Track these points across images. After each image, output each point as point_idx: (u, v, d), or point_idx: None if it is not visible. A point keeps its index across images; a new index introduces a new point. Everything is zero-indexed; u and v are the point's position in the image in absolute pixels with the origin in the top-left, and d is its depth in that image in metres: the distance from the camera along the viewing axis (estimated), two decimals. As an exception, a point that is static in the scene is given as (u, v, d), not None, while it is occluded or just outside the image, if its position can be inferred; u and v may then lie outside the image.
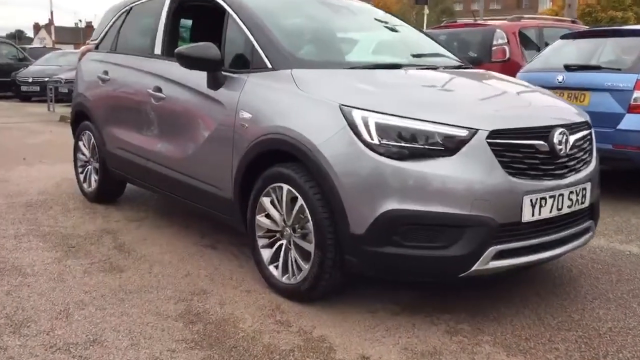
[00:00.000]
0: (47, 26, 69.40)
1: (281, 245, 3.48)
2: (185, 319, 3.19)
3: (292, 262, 3.40)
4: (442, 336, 3.03)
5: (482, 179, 2.92)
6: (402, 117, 2.99)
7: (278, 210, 3.46)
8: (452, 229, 2.94)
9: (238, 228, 3.87)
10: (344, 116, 3.07)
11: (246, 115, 3.58)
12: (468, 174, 2.91)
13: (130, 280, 3.71)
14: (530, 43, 8.49)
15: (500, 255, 2.99)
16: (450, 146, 2.94)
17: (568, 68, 6.18)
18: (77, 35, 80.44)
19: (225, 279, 3.74)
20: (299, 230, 3.35)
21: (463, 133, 2.94)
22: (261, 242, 3.60)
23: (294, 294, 3.39)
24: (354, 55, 4.25)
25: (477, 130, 2.95)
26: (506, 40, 8.10)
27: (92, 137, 5.41)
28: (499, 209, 2.95)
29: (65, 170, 6.79)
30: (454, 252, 2.94)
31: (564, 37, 6.94)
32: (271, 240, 3.55)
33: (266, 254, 3.57)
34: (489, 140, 2.95)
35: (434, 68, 4.07)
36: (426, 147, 2.94)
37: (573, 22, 9.84)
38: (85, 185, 5.68)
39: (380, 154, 2.95)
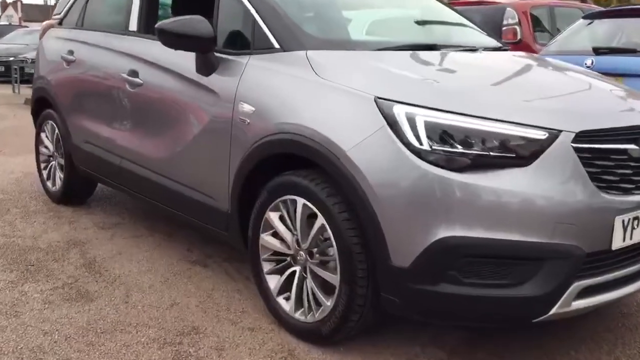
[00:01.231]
0: (15, 3, 67.08)
1: (294, 272, 2.76)
2: (174, 375, 2.47)
3: (308, 294, 2.69)
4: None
5: (567, 196, 2.22)
6: (460, 114, 2.27)
7: (290, 229, 2.74)
8: (527, 262, 2.25)
9: (236, 247, 3.14)
10: (381, 113, 2.35)
11: (247, 108, 2.83)
12: (548, 190, 2.21)
13: (102, 314, 2.97)
14: (540, 23, 7.81)
15: (585, 292, 2.31)
16: (525, 153, 2.23)
17: (597, 51, 5.51)
18: (46, 13, 77.94)
19: (221, 311, 3.02)
20: (317, 255, 2.63)
21: (541, 135, 2.24)
22: (267, 266, 2.88)
23: (311, 334, 2.68)
24: (383, 33, 3.49)
25: (560, 131, 2.25)
26: (517, 20, 7.40)
27: (56, 128, 4.60)
28: (587, 235, 2.26)
29: (29, 163, 5.94)
30: (529, 292, 2.25)
31: (586, 17, 6.27)
32: (280, 265, 2.83)
33: (273, 281, 2.85)
34: (575, 145, 2.25)
35: (473, 50, 3.34)
36: (493, 154, 2.23)
37: (583, 1, 9.17)
38: (49, 184, 4.87)
39: (432, 164, 2.24)
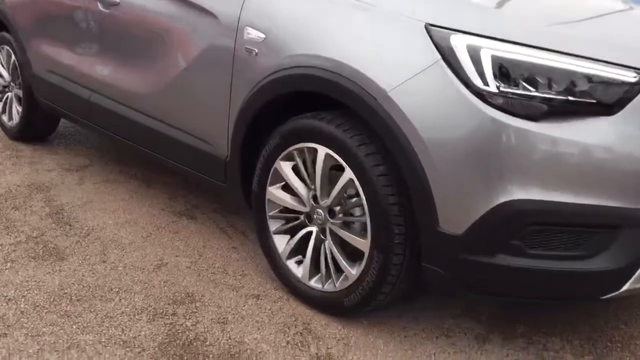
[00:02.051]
0: None
1: (309, 233, 2.34)
2: (171, 356, 2.05)
3: (327, 260, 2.28)
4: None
5: (657, 154, 1.83)
6: (536, 48, 1.84)
7: (306, 183, 2.30)
8: (603, 231, 1.87)
9: (235, 200, 2.69)
10: (435, 44, 1.90)
11: (255, 35, 2.33)
12: (636, 146, 1.82)
13: (77, 277, 2.51)
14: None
15: (662, 266, 1.97)
16: (610, 99, 1.83)
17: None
18: None
19: (217, 274, 2.59)
20: (340, 216, 2.21)
21: (631, 78, 1.83)
22: (274, 225, 2.45)
23: (330, 306, 2.30)
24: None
25: (654, 74, 1.84)
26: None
27: (13, 55, 3.97)
28: (674, 200, 1.89)
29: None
30: (602, 265, 1.89)
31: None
32: (291, 224, 2.41)
33: (282, 243, 2.43)
34: (671, 92, 1.85)
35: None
36: (573, 99, 1.82)
37: None
38: (4, 118, 4.27)
39: (499, 109, 1.82)
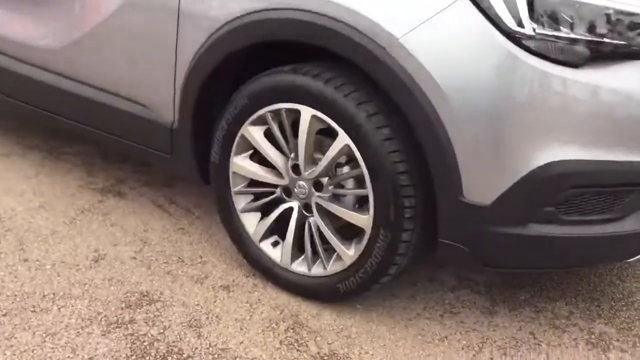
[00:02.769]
0: None
1: (289, 210, 1.99)
2: (146, 379, 1.66)
3: (314, 239, 1.95)
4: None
5: None
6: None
7: (282, 151, 1.93)
8: (638, 191, 1.68)
9: (184, 175, 2.27)
10: (456, -23, 1.57)
11: (210, -31, 1.88)
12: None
13: (-5, 284, 2.01)
14: None
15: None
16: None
17: None
18: None
19: (171, 263, 2.18)
20: (330, 188, 1.88)
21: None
22: (241, 202, 2.07)
23: (319, 292, 1.98)
24: None
25: None
26: None
27: None
28: None
29: None
30: (634, 227, 1.71)
31: None
32: (263, 200, 2.04)
33: (252, 222, 2.07)
34: None
35: None
36: (621, 42, 1.57)
37: None
38: None
39: (536, 54, 1.54)
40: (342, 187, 1.89)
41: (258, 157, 2.02)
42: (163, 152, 2.21)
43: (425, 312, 2.01)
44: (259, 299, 2.00)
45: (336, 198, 1.89)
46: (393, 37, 1.60)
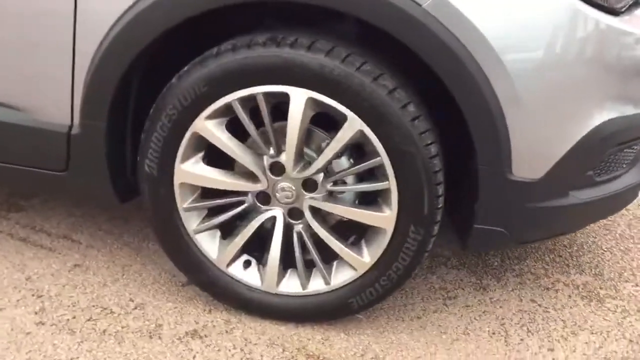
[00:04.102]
0: None
1: (268, 220, 1.56)
2: None
3: (309, 249, 1.56)
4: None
5: None
6: None
7: (254, 149, 1.49)
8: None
9: (85, 197, 1.68)
10: None
11: None
12: None
13: None
14: None
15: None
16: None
17: None
18: None
19: (98, 318, 1.60)
20: (329, 185, 1.50)
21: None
22: (194, 220, 1.58)
23: (324, 311, 1.61)
24: None
25: None
26: None
27: None
28: None
29: None
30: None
31: None
32: (227, 214, 1.57)
33: (212, 244, 1.60)
34: None
35: None
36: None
37: None
38: None
39: (597, 6, 1.35)
40: (343, 183, 1.53)
41: (209, 160, 1.54)
42: (50, 169, 1.58)
43: (427, 304, 1.77)
44: (246, 339, 1.56)
45: (331, 197, 1.52)
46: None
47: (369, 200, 1.53)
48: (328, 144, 1.44)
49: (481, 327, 1.69)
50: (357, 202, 1.56)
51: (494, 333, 1.68)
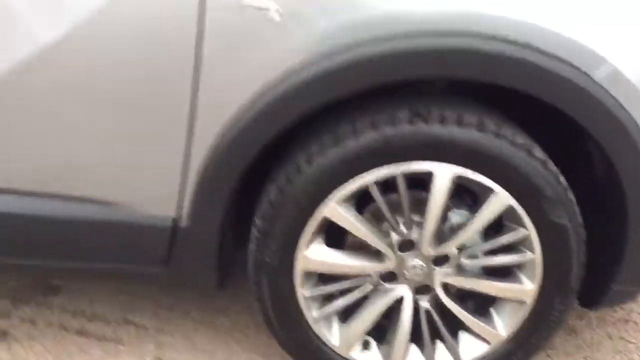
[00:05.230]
0: None
1: (397, 301, 1.44)
2: None
3: (438, 327, 1.47)
4: None
5: None
6: None
7: (392, 227, 1.37)
8: None
9: (181, 288, 1.49)
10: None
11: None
12: None
13: None
14: None
15: None
16: None
17: None
18: None
19: None
20: (462, 260, 1.41)
21: None
22: (314, 307, 1.43)
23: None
24: None
25: None
26: None
27: None
28: None
29: None
30: None
31: None
32: (349, 297, 1.44)
33: (334, 330, 1.47)
34: None
35: None
36: None
37: None
38: None
39: None
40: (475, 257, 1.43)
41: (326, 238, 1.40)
42: (148, 264, 1.39)
43: None
44: None
45: (460, 270, 1.43)
46: (610, 67, 1.18)
47: (499, 270, 1.45)
48: (468, 219, 1.35)
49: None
50: (483, 275, 1.47)
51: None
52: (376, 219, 1.41)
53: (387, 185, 1.32)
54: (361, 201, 1.37)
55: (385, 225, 1.39)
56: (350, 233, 1.37)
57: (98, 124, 1.23)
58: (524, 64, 1.17)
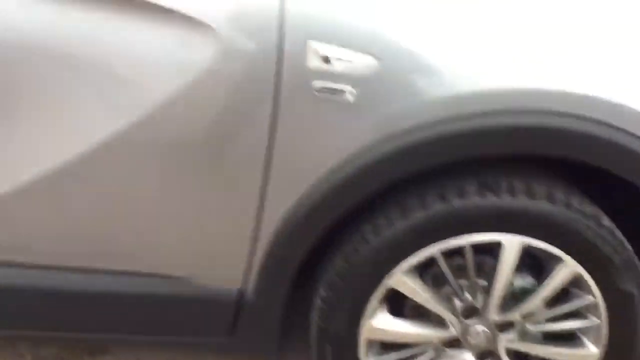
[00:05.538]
0: None
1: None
2: None
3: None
4: None
5: None
6: None
7: (456, 295, 1.37)
8: None
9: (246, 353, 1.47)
10: None
11: (347, 57, 1.15)
12: None
13: None
14: None
15: None
16: None
17: None
18: None
19: None
20: (529, 325, 1.40)
21: None
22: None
23: None
24: None
25: None
26: None
27: None
28: None
29: None
30: None
31: None
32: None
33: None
34: None
35: None
36: None
37: None
38: None
39: None
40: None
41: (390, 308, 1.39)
42: (216, 335, 1.38)
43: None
44: None
45: (524, 336, 1.42)
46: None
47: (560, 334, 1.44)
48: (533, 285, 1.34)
49: None
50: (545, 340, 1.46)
51: None
52: (437, 283, 1.40)
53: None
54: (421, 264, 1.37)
55: (447, 289, 1.38)
56: (412, 299, 1.37)
57: (168, 202, 1.23)
58: (615, 146, 1.18)
